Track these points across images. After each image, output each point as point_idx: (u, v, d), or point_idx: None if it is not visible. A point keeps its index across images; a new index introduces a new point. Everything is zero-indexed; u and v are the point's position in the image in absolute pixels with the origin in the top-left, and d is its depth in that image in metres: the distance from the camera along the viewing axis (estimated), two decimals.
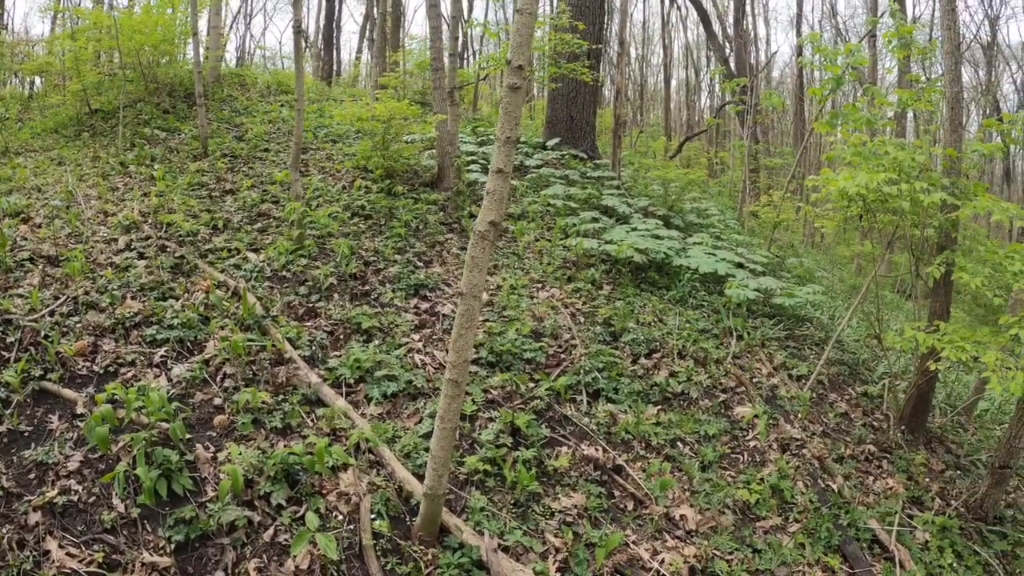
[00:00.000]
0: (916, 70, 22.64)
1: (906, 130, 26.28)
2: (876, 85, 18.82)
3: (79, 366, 5.84)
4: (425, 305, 7.83)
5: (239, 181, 10.21)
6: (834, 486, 6.49)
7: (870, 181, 6.44)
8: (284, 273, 7.66)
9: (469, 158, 12.36)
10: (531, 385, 6.82)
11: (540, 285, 8.82)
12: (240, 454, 5.12)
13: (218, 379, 5.98)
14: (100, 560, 4.51)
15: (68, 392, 5.57)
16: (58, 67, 16.24)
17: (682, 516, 5.78)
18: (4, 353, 5.82)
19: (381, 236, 8.98)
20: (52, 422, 5.34)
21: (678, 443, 6.60)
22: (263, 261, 7.79)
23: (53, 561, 4.47)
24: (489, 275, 8.86)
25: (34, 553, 4.49)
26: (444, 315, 7.68)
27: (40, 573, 4.37)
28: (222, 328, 6.46)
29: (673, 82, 43.07)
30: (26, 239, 7.85)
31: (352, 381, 6.33)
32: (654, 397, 7.09)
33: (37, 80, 20.25)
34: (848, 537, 5.94)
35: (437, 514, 5.04)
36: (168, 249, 7.81)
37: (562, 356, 7.37)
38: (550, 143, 14.47)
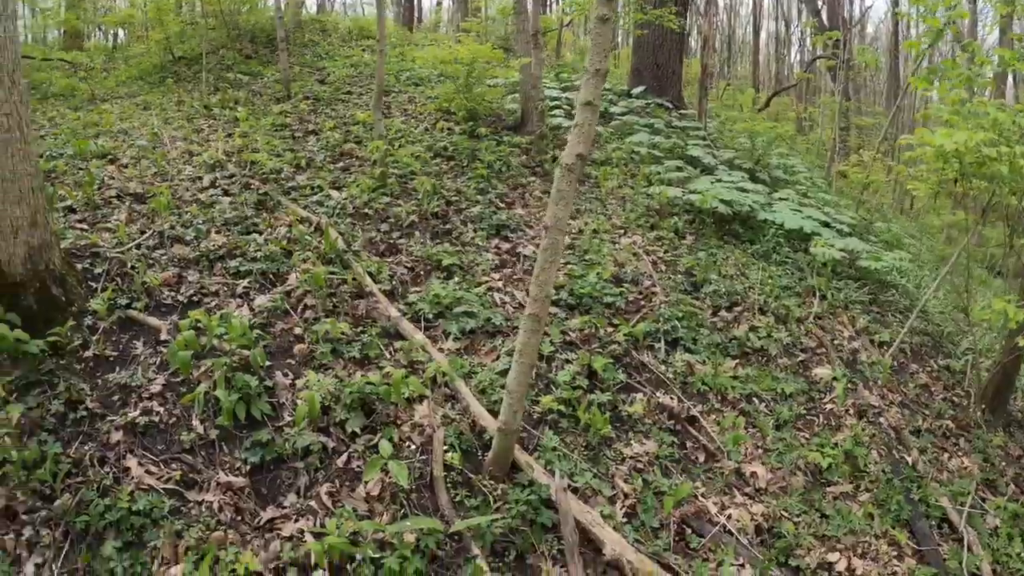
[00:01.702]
0: (1019, 29, 21.30)
1: (1006, 94, 24.87)
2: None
3: (164, 296, 5.92)
4: (506, 245, 7.72)
5: (321, 122, 10.22)
6: (908, 459, 6.26)
7: (968, 139, 6.03)
8: (366, 210, 7.63)
9: (552, 103, 12.13)
10: (610, 330, 6.67)
11: (622, 231, 8.62)
12: (318, 381, 5.12)
13: (299, 310, 6.00)
14: (177, 478, 4.58)
15: (153, 320, 5.65)
16: (140, 18, 16.51)
17: (753, 473, 5.66)
18: (92, 283, 5.93)
19: (463, 177, 8.89)
20: (136, 348, 5.43)
21: (754, 399, 6.42)
22: (345, 199, 7.77)
23: (132, 478, 4.55)
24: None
25: (114, 470, 4.58)
26: (525, 256, 7.56)
27: (119, 488, 4.45)
28: (304, 261, 6.47)
29: (763, 34, 41.53)
30: (113, 178, 7.98)
31: (431, 316, 6.27)
32: (732, 351, 6.90)
33: (120, 32, 20.65)
34: (918, 512, 5.72)
35: (509, 450, 4.97)
36: (252, 187, 7.86)
37: (642, 303, 7.19)
38: (635, 91, 14.09)
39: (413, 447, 5.10)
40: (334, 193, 7.88)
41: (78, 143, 8.37)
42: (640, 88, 14.13)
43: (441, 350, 5.96)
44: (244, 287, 6.12)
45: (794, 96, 34.24)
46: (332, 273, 6.28)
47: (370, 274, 6.53)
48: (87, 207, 7.15)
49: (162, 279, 5.99)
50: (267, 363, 5.31)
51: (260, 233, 6.89)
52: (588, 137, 4.17)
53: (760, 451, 5.89)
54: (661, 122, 12.63)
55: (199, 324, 5.28)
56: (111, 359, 5.30)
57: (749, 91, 28.82)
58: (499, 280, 7.06)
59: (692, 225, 9.10)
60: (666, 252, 8.29)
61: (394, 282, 6.60)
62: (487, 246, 7.60)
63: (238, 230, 6.87)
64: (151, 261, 6.27)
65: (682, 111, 13.91)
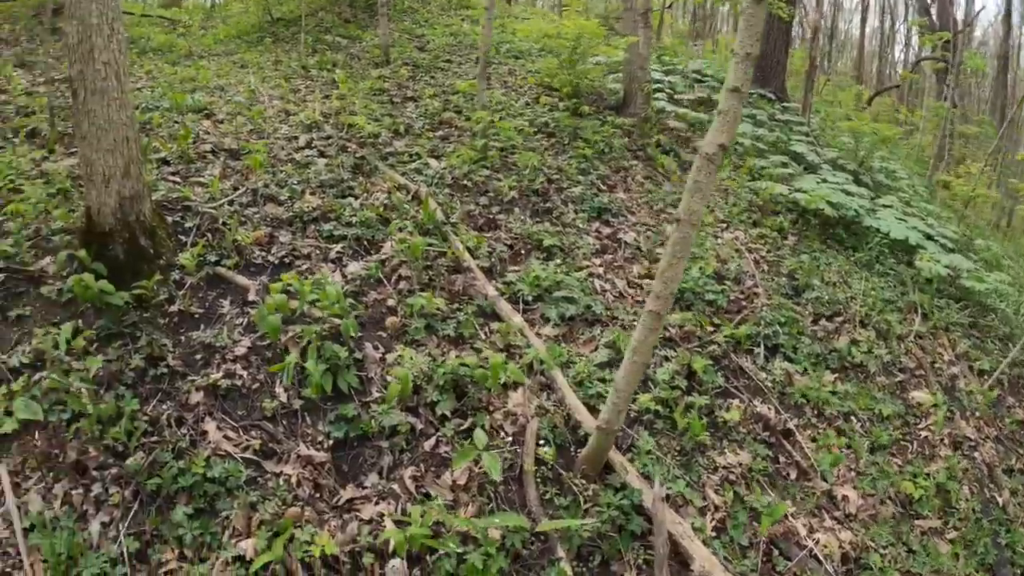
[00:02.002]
0: None
1: None
2: None
3: (254, 255, 5.66)
4: (607, 230, 7.29)
5: (420, 90, 9.89)
6: (1000, 499, 5.81)
7: None
8: (465, 182, 7.27)
9: (654, 86, 11.57)
10: (710, 329, 6.24)
11: (724, 225, 8.11)
12: (412, 359, 4.77)
13: (393, 280, 5.67)
14: (256, 447, 4.31)
15: (241, 279, 5.39)
16: None
17: (844, 497, 5.33)
18: (182, 237, 5.71)
19: (564, 155, 8.46)
20: (223, 307, 5.17)
21: (852, 417, 5.98)
22: (444, 168, 7.42)
23: (209, 442, 4.29)
24: (672, 208, 8.22)
25: (191, 432, 4.33)
26: (626, 243, 7.13)
27: (195, 452, 4.20)
28: (400, 230, 6.13)
29: (867, 29, 39.99)
30: (208, 133, 7.79)
31: (530, 299, 5.89)
32: (832, 363, 6.44)
33: None
34: (1003, 558, 5.31)
35: (606, 450, 4.60)
36: (349, 149, 7.57)
37: (743, 303, 6.72)
38: None
39: (504, 436, 4.74)
40: (432, 162, 7.54)
41: (174, 96, 8.21)
42: None
43: (538, 335, 5.57)
44: (337, 252, 5.83)
45: (895, 97, 32.77)
46: (430, 245, 5.93)
47: (468, 249, 6.17)
48: (181, 160, 6.96)
49: (253, 238, 5.73)
50: (358, 334, 4.99)
51: (356, 198, 6.58)
52: (733, 126, 3.82)
53: (853, 474, 5.51)
54: (764, 114, 12.00)
55: (290, 288, 4.98)
56: (196, 316, 5.06)
57: (852, 88, 27.64)
58: (600, 266, 6.64)
59: (795, 225, 8.53)
60: (768, 252, 7.77)
61: (492, 259, 6.23)
62: (587, 229, 7.18)
63: (333, 193, 6.58)
64: (243, 219, 6.02)
65: (784, 104, 13.25)
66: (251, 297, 5.22)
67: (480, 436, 4.21)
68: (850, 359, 6.54)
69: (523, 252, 6.46)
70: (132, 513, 4.00)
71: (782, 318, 6.54)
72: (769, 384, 5.93)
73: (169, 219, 5.78)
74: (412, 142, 8.00)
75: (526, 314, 5.74)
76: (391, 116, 8.66)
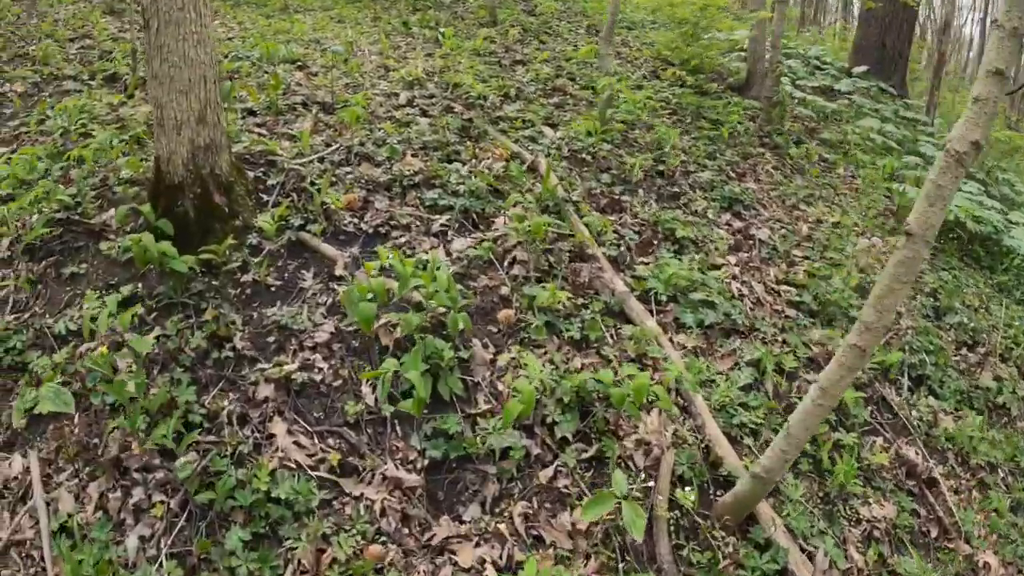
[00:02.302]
0: None
1: None
2: None
3: (345, 221, 4.82)
4: (738, 224, 6.26)
5: (531, 53, 8.94)
6: None
7: None
8: (584, 156, 6.30)
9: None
10: None
11: (858, 230, 7.00)
12: (539, 370, 3.83)
13: (506, 264, 4.74)
14: (334, 462, 3.46)
15: (329, 248, 4.55)
16: None
17: (985, 564, 4.42)
18: (263, 195, 4.92)
19: (687, 136, 7.44)
20: (305, 280, 4.34)
21: (998, 469, 5.06)
22: (561, 138, 6.47)
23: (277, 448, 3.47)
24: (806, 204, 7.14)
25: (257, 434, 3.52)
26: (760, 240, 6.10)
27: (258, 460, 3.39)
28: (515, 205, 5.19)
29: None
30: (301, 85, 7.02)
31: (663, 298, 4.92)
32: (977, 403, 5.47)
33: None
34: None
35: (757, 500, 3.74)
36: (454, 111, 6.68)
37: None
38: (856, 70, 12.18)
39: (634, 470, 3.81)
40: (547, 130, 6.59)
41: (266, 45, 7.42)
42: (862, 68, 12.21)
43: (673, 343, 4.62)
44: (442, 225, 4.91)
45: (1006, 103, 30.47)
46: (549, 225, 4.97)
47: (593, 233, 5.22)
48: (268, 111, 6.20)
49: (345, 201, 4.88)
50: (468, 328, 4.10)
51: (463, 163, 5.68)
52: (990, 118, 2.95)
53: (994, 536, 4.59)
54: (888, 110, 10.77)
55: (389, 265, 4.07)
56: (273, 289, 4.25)
57: (966, 89, 25.72)
58: (735, 265, 5.64)
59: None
60: None
61: (621, 247, 5.26)
62: (718, 220, 6.18)
63: (438, 156, 5.69)
64: (334, 179, 5.18)
65: (906, 100, 12.01)
66: (338, 271, 4.38)
67: (620, 480, 3.27)
68: (993, 399, 5.61)
69: (653, 242, 5.48)
70: (177, 529, 3.23)
71: (929, 345, 5.62)
72: (915, 423, 5.01)
73: (251, 174, 5.00)
74: (524, 107, 7.07)
75: (659, 316, 4.78)
76: (499, 78, 7.74)
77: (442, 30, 9.29)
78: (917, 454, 4.77)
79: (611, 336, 4.46)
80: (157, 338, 3.80)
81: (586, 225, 5.18)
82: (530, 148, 6.15)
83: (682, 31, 9.36)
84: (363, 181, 5.16)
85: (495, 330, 4.23)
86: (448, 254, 4.63)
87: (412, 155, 5.60)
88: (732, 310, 4.99)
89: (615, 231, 5.34)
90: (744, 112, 8.42)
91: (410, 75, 7.35)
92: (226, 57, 7.54)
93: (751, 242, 6.08)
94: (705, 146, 7.27)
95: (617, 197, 5.81)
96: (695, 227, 5.80)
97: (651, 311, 4.74)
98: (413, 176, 5.27)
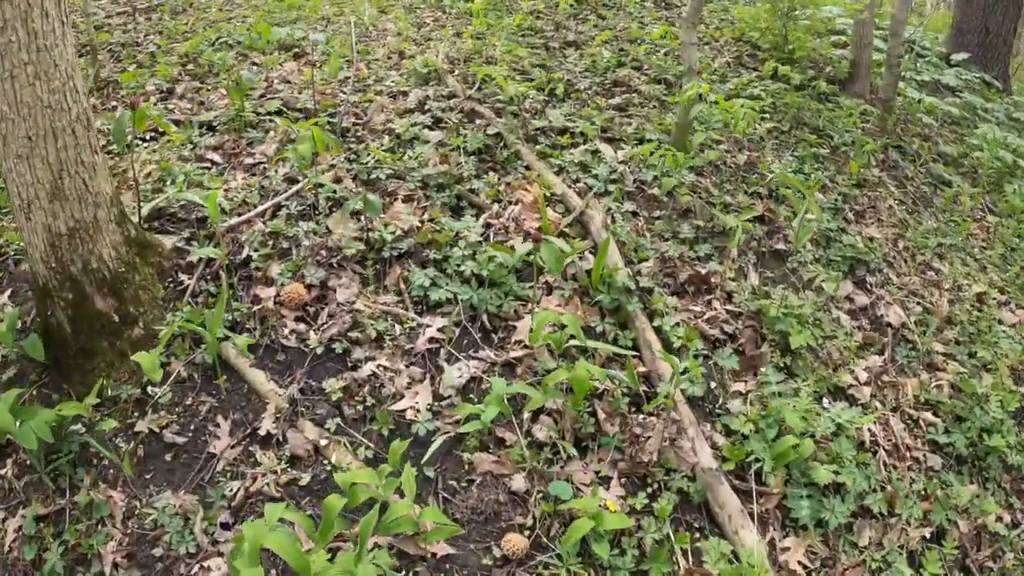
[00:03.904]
0: None
1: None
2: None
3: (287, 329, 3.24)
4: (862, 299, 4.40)
5: (587, 32, 7.10)
6: None
7: None
8: (655, 190, 4.52)
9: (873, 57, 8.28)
10: None
11: (1000, 293, 5.10)
12: None
13: (526, 417, 3.07)
14: None
15: (258, 377, 3.02)
16: None
17: None
18: (186, 277, 3.37)
19: (787, 151, 5.59)
20: (218, 436, 2.80)
21: None
22: (623, 162, 4.71)
23: None
24: (938, 259, 5.23)
25: None
26: (892, 328, 4.32)
27: None
28: (549, 293, 3.46)
29: None
30: (289, 82, 5.45)
31: (766, 470, 3.16)
32: None
33: None
34: None
35: None
36: (478, 119, 4.97)
37: None
38: (955, 57, 9.97)
39: None
40: (606, 149, 4.81)
41: (258, 27, 5.77)
42: (962, 56, 9.99)
43: (774, 558, 2.92)
44: (432, 339, 3.25)
45: None
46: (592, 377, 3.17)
47: (667, 348, 3.48)
48: (229, 128, 4.66)
49: (288, 296, 3.28)
50: None
51: (477, 213, 3.98)
52: None
53: None
54: (999, 110, 8.60)
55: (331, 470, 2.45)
56: (170, 456, 2.76)
57: None
58: (865, 384, 3.88)
59: None
60: None
61: (708, 375, 3.51)
62: (836, 296, 4.36)
63: (442, 201, 4.00)
64: (279, 248, 3.58)
65: (1011, 95, 9.84)
66: (265, 424, 2.81)
67: None
68: None
69: (749, 352, 3.70)
70: None
71: None
72: None
73: (169, 243, 3.45)
74: (574, 112, 5.30)
75: (760, 503, 3.06)
76: (544, 67, 5.98)
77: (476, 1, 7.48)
78: None
79: (685, 557, 2.77)
80: None
81: (659, 335, 3.45)
82: (579, 182, 4.43)
83: (770, 5, 7.37)
84: (322, 253, 3.54)
85: (495, 561, 2.59)
86: (437, 397, 2.99)
87: (405, 199, 3.96)
88: (865, 483, 3.26)
89: (703, 341, 3.59)
90: (849, 116, 6.48)
91: (428, 64, 5.68)
92: (211, 45, 6.05)
93: (881, 334, 4.29)
94: (812, 169, 5.40)
95: (702, 270, 4.01)
96: (811, 319, 3.97)
97: (748, 497, 3.02)
98: (400, 240, 3.62)
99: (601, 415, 2.99)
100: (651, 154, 4.66)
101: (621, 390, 3.12)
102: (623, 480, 2.90)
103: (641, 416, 3.08)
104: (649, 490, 2.91)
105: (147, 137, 4.82)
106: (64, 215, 2.86)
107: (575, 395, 2.80)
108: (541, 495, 2.69)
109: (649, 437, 2.93)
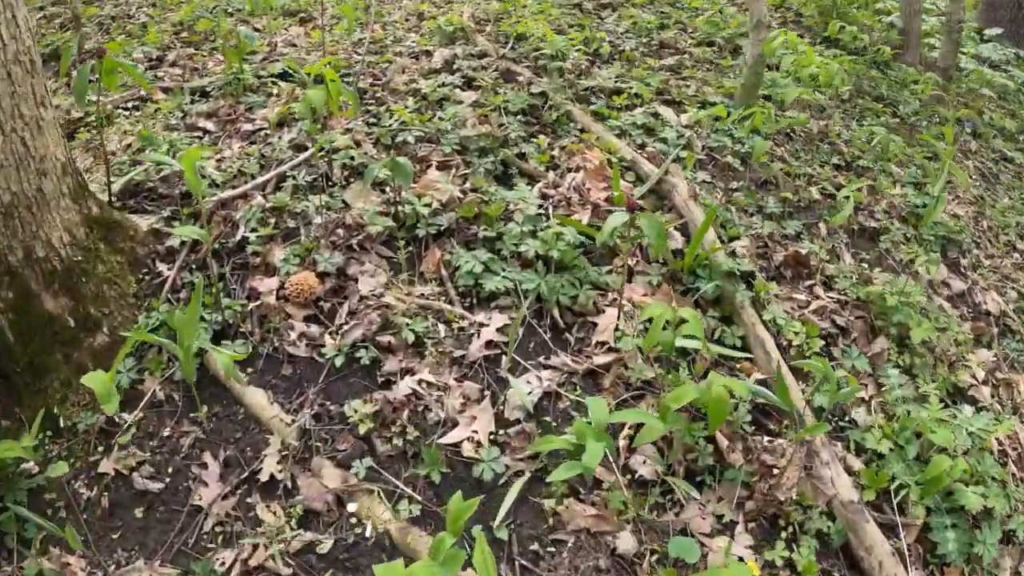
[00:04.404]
0: None
1: None
2: None
3: (294, 333, 2.50)
4: (958, 284, 3.70)
5: None
6: None
7: None
8: (728, 158, 3.74)
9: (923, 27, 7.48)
10: None
11: None
12: None
13: (622, 442, 2.30)
14: None
15: (258, 398, 2.31)
16: None
17: None
18: (165, 267, 2.64)
19: (854, 123, 4.82)
20: (206, 482, 2.08)
21: None
22: (688, 126, 3.93)
23: None
24: (1020, 239, 4.47)
25: None
26: (990, 313, 3.63)
27: None
28: (630, 279, 2.70)
29: None
30: (294, 45, 4.77)
31: (913, 498, 2.41)
32: None
33: None
34: None
35: None
36: (517, 77, 4.20)
37: None
38: (988, 32, 9.15)
39: None
40: (667, 113, 4.03)
41: None
42: (996, 31, 9.17)
43: None
44: (488, 342, 2.47)
45: None
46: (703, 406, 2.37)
47: (784, 350, 2.72)
48: (224, 92, 3.91)
49: (293, 288, 2.52)
50: None
51: (530, 182, 3.21)
52: None
53: None
54: None
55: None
56: (141, 511, 2.07)
57: None
58: (984, 383, 3.14)
59: None
60: None
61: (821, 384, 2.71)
62: (934, 282, 3.62)
63: (486, 167, 3.23)
64: (286, 229, 2.83)
65: None
66: (268, 466, 2.06)
67: None
68: None
69: (862, 348, 2.92)
70: None
71: None
72: None
73: (144, 224, 2.71)
74: (624, 73, 4.51)
75: (906, 532, 2.31)
76: (582, 27, 5.20)
77: None
78: None
79: None
80: None
81: (770, 328, 2.68)
82: (644, 147, 3.65)
83: None
84: (339, 233, 2.78)
85: None
86: (501, 422, 2.22)
87: (440, 165, 3.20)
88: (1007, 503, 2.52)
89: (825, 341, 2.82)
90: (906, 88, 5.74)
91: (451, 23, 4.93)
92: (210, 11, 5.38)
93: (985, 324, 3.54)
94: (884, 142, 4.64)
95: (802, 250, 3.22)
96: (921, 305, 3.23)
97: (893, 532, 2.27)
98: (438, 215, 2.85)
99: (723, 441, 2.22)
100: (727, 115, 3.89)
101: (746, 402, 2.36)
102: (750, 525, 2.15)
103: (767, 440, 2.31)
104: (784, 534, 2.17)
105: (129, 106, 4.12)
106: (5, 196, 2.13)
107: (709, 421, 2.02)
108: (655, 557, 1.93)
109: (784, 468, 2.15)
